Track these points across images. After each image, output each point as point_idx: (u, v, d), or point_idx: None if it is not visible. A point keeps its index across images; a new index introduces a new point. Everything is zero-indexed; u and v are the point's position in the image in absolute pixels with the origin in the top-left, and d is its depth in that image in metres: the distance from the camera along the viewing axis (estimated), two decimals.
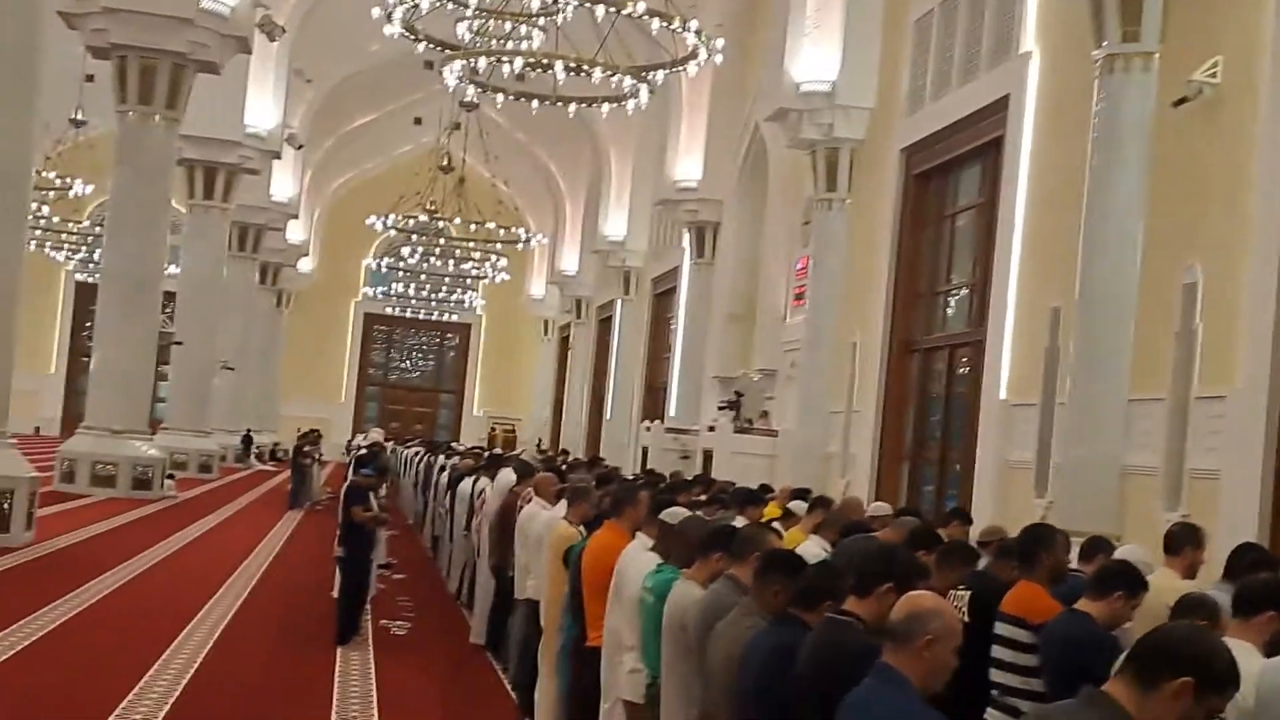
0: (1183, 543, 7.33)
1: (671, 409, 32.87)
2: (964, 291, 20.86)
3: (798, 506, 10.02)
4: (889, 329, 21.87)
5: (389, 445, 36.73)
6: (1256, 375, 12.35)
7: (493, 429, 57.65)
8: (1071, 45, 15.86)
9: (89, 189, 36.43)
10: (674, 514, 6.68)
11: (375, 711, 9.85)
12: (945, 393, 20.74)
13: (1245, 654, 3.96)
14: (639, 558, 6.85)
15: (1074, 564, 7.10)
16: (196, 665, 11.03)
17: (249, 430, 42.70)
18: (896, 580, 4.43)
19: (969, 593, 6.45)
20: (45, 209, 39.84)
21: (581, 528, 8.92)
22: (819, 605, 4.70)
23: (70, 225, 43.76)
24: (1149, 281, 13.52)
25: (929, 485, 21.03)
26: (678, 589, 5.92)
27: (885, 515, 11.15)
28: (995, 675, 6.15)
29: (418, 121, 47.17)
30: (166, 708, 9.40)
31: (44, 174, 35.41)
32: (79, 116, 34.78)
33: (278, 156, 37.44)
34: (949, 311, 21.47)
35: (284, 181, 42.89)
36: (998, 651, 6.11)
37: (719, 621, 5.24)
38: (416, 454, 28.09)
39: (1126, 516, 13.45)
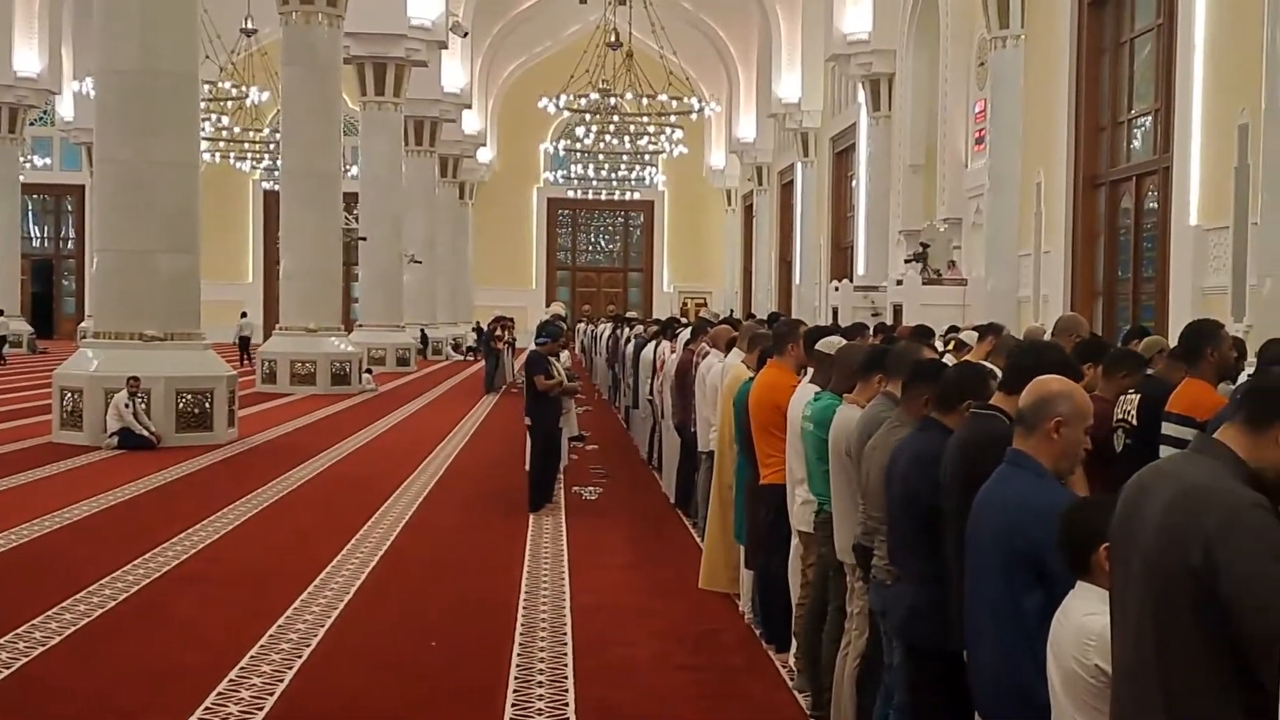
0: None
1: (860, 267, 32.54)
2: (1147, 120, 20.15)
3: (969, 336, 9.85)
4: (1073, 165, 21.30)
5: (583, 324, 37.20)
6: None
7: (684, 303, 57.87)
8: None
9: (265, 96, 36.99)
10: (829, 343, 6.61)
11: (566, 569, 10.05)
12: (1134, 225, 20.13)
13: None
14: (804, 392, 6.82)
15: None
16: (395, 534, 11.42)
17: (423, 328, 42.52)
18: (1048, 374, 4.25)
19: (1138, 396, 6.26)
20: (226, 119, 40.64)
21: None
22: (958, 407, 4.61)
23: (251, 134, 44.59)
24: None
25: (1124, 321, 20.52)
26: (840, 414, 5.88)
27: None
28: None
29: (583, 0, 46.92)
30: (366, 572, 9.76)
31: (220, 85, 36.08)
32: (249, 25, 35.30)
33: (444, 46, 37.59)
34: (1134, 142, 20.79)
35: (454, 72, 43.08)
36: (1165, 453, 5.92)
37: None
38: (604, 329, 28.45)
39: None
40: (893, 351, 5.78)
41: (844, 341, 6.83)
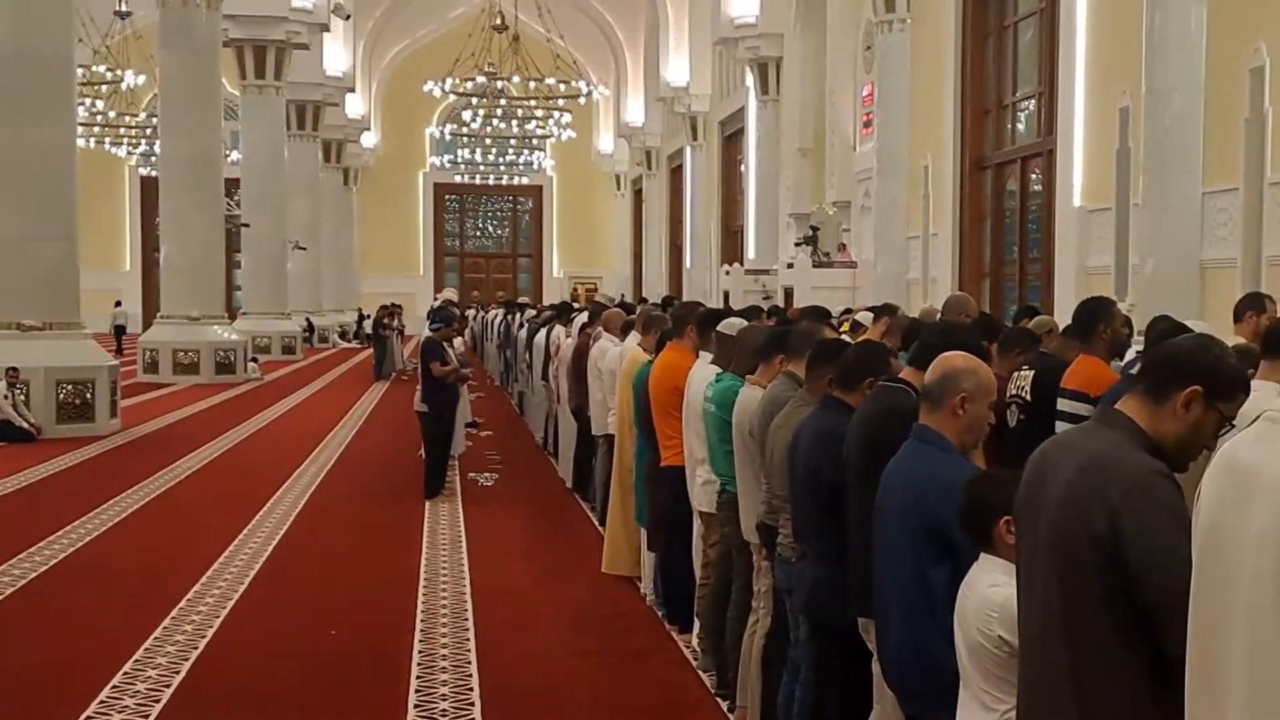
0: (1245, 309, 7.30)
1: (750, 251, 32.71)
2: (1031, 103, 20.47)
3: (864, 317, 9.92)
4: (959, 148, 21.60)
5: (473, 311, 37.03)
6: None
7: (574, 289, 57.77)
8: None
9: (141, 79, 36.13)
10: (731, 324, 6.63)
11: (465, 555, 9.99)
12: (1020, 206, 20.46)
13: (1270, 393, 3.86)
14: (702, 372, 6.84)
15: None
16: (289, 523, 11.27)
17: (308, 316, 41.95)
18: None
19: (1032, 372, 6.36)
20: (100, 104, 39.73)
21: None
22: (860, 385, 4.67)
23: (127, 119, 43.61)
24: (1215, 70, 13.13)
25: (1011, 301, 20.84)
26: (743, 395, 5.90)
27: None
28: None
29: None
30: (261, 562, 9.64)
31: (94, 68, 35.23)
32: (123, 7, 34.47)
33: (326, 29, 37.09)
34: (1018, 125, 21.11)
35: (337, 55, 42.55)
36: (1060, 428, 6.01)
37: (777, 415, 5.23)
38: (495, 315, 28.36)
39: (1209, 310, 13.24)
40: (794, 332, 5.82)
41: (745, 323, 6.85)
